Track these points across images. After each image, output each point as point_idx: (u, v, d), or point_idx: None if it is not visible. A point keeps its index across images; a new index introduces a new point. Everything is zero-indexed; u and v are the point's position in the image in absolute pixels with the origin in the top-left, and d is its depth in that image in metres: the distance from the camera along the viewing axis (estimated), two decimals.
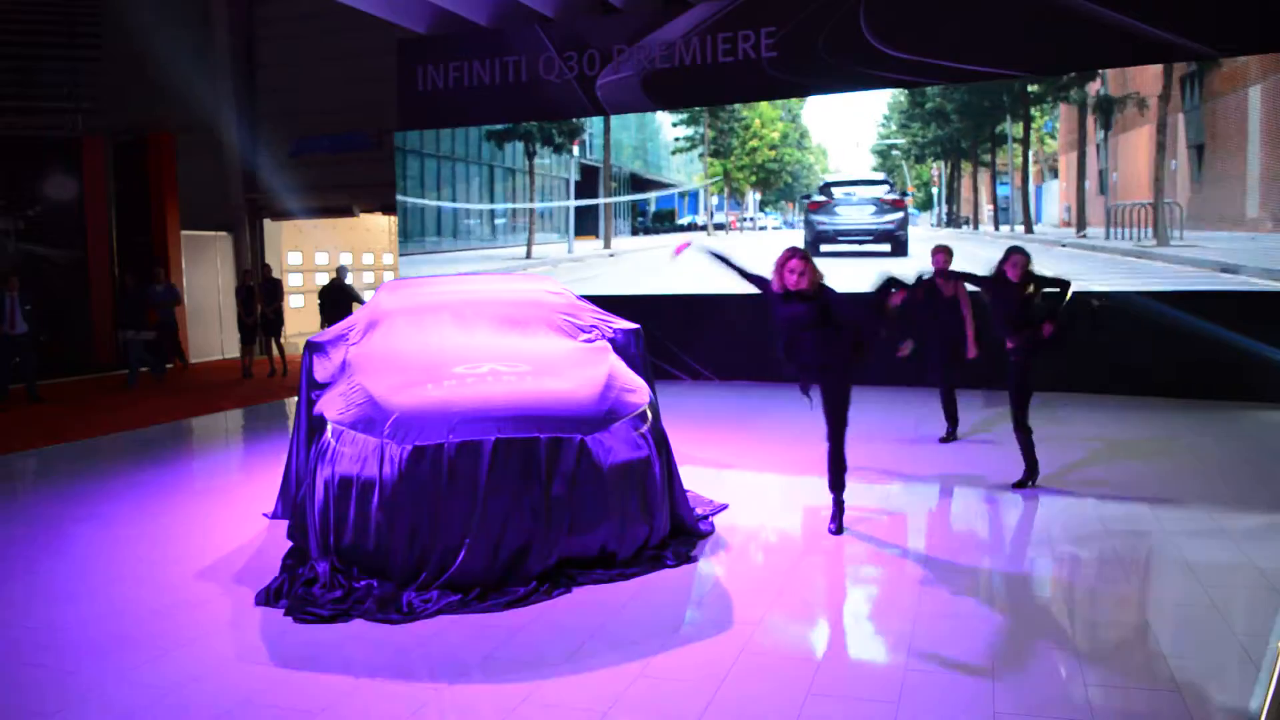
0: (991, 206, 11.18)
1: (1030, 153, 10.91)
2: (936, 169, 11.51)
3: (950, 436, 7.85)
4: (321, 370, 5.59)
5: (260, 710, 3.35)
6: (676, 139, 12.54)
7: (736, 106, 11.96)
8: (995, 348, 6.58)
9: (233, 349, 16.36)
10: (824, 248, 11.51)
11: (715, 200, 12.38)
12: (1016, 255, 6.11)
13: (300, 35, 15.80)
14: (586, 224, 13.01)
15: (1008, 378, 6.22)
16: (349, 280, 13.35)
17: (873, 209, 11.50)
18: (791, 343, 5.20)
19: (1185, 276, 9.93)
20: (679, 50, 11.84)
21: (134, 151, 15.01)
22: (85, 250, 14.31)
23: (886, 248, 11.35)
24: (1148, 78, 10.06)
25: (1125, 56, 9.83)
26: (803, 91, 11.24)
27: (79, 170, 14.24)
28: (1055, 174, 10.98)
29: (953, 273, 7.25)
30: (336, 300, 12.62)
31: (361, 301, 12.22)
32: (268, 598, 4.40)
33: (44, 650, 3.92)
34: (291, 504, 5.44)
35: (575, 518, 4.58)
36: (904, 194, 11.47)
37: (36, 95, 14.11)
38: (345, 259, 18.52)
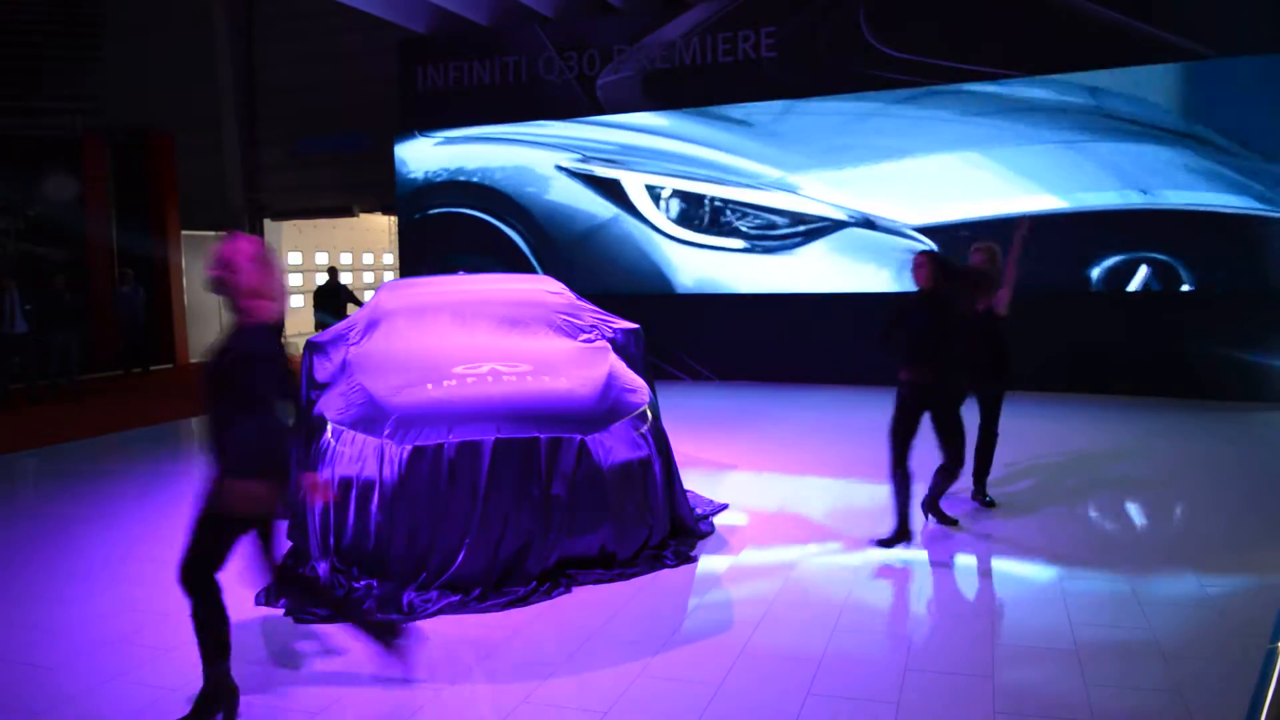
0: None
1: None
2: None
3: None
4: (321, 370, 5.59)
5: (260, 710, 3.35)
6: None
7: None
8: None
9: None
10: None
11: None
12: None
13: (300, 35, 15.80)
14: None
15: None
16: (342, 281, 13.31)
17: None
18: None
19: None
20: (679, 50, 11.84)
21: (134, 151, 14.99)
22: (85, 250, 14.29)
23: None
24: None
25: (1125, 56, 9.83)
26: (803, 92, 11.24)
27: (79, 170, 14.23)
28: None
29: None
30: (333, 301, 12.58)
31: (359, 302, 12.19)
32: (268, 598, 4.40)
33: (44, 650, 3.92)
34: (291, 504, 5.44)
35: (575, 518, 4.58)
36: None
37: (36, 95, 14.10)
38: (345, 259, 18.52)
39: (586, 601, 4.36)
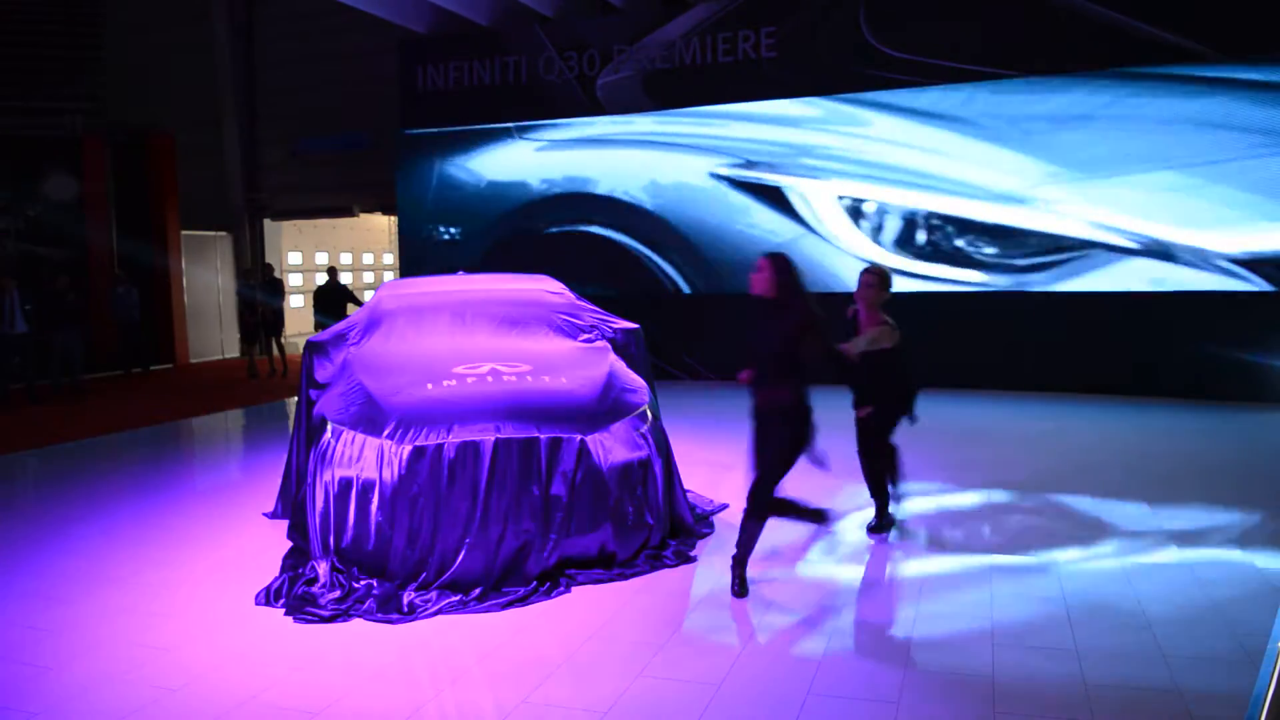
0: None
1: None
2: None
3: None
4: (321, 370, 5.59)
5: (260, 710, 3.35)
6: None
7: None
8: None
9: (233, 349, 16.36)
10: None
11: None
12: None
13: (300, 35, 15.81)
14: None
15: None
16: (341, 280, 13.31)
17: None
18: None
19: None
20: (679, 50, 11.85)
21: (134, 151, 15.00)
22: (85, 250, 14.30)
23: None
24: None
25: (1125, 56, 9.84)
26: (803, 92, 11.24)
27: (79, 170, 14.24)
28: None
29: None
30: (332, 301, 12.58)
31: (359, 302, 12.19)
32: (268, 598, 4.40)
33: (43, 650, 3.92)
34: (291, 504, 5.45)
35: (575, 518, 4.58)
36: None
37: (36, 95, 14.11)
38: (345, 259, 18.53)
39: (586, 601, 4.36)
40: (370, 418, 4.69)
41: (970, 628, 4.02)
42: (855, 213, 10.86)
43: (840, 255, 10.92)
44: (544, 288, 6.48)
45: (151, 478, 7.24)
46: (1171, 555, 4.92)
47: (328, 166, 15.78)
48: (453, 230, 13.20)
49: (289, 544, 4.99)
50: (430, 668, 3.70)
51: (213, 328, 16.53)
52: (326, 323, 11.15)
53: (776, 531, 5.52)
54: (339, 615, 4.18)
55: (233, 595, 4.51)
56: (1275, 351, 9.42)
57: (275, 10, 16.18)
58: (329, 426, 4.80)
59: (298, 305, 17.24)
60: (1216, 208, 9.33)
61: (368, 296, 12.83)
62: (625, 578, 4.62)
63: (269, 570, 4.75)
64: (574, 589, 4.49)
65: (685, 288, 11.91)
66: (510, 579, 4.45)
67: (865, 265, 5.47)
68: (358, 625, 4.12)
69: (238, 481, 7.24)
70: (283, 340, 13.88)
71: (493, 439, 4.48)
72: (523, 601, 4.32)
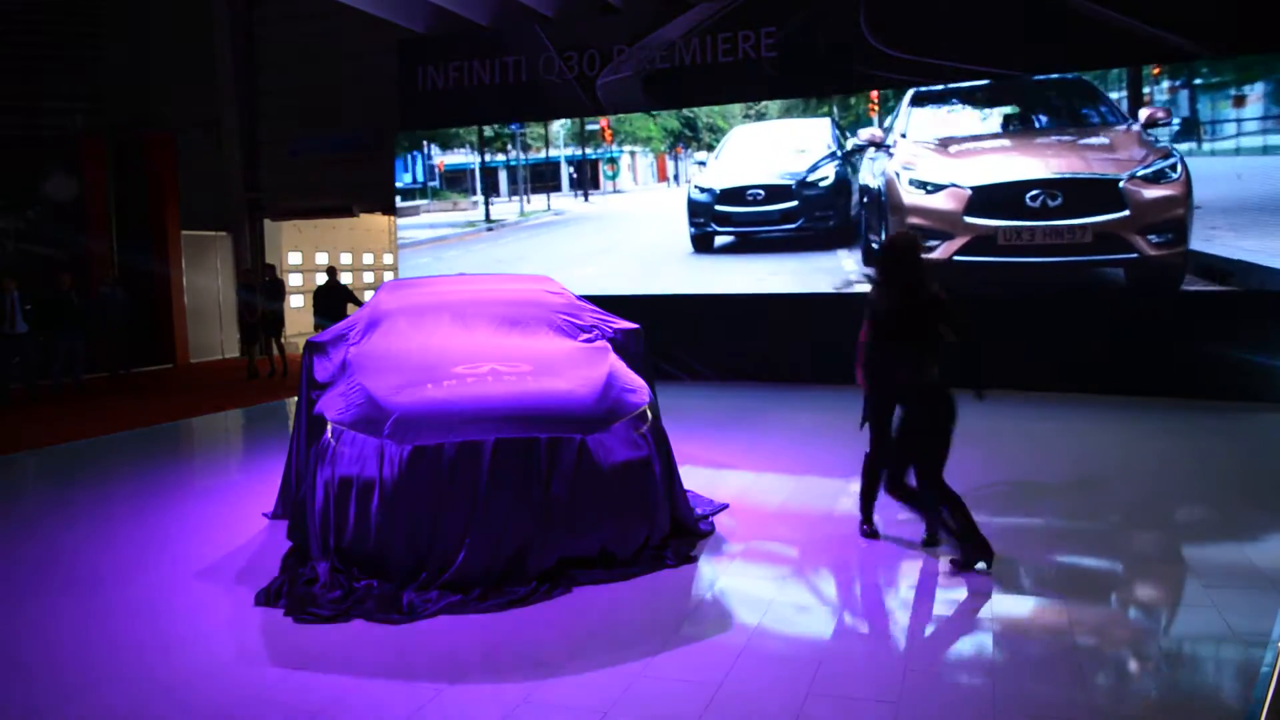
0: None
1: None
2: None
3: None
4: (321, 370, 5.59)
5: (260, 710, 3.35)
6: None
7: None
8: None
9: (233, 349, 16.35)
10: None
11: None
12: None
13: (300, 35, 15.81)
14: None
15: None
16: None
17: None
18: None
19: None
20: (679, 50, 11.85)
21: (134, 151, 15.00)
22: (85, 250, 14.30)
23: None
24: None
25: (1125, 56, 9.84)
26: (803, 92, 11.25)
27: (79, 170, 14.24)
28: None
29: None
30: (332, 301, 12.57)
31: (359, 302, 12.18)
32: (268, 598, 4.40)
33: (43, 650, 3.92)
34: (291, 504, 5.44)
35: (575, 518, 4.58)
36: None
37: (36, 95, 14.12)
38: (345, 259, 18.52)
39: (586, 601, 4.36)
40: (370, 418, 4.69)
41: (971, 629, 4.02)
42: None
43: None
44: (544, 288, 6.48)
45: (151, 478, 7.24)
46: (1171, 555, 4.92)
47: (328, 166, 15.77)
48: None
49: (289, 544, 4.99)
50: (430, 667, 3.70)
51: (212, 328, 16.53)
52: (326, 323, 11.11)
53: (777, 532, 5.53)
54: (339, 615, 4.18)
55: (233, 595, 4.52)
56: (1275, 352, 9.42)
57: (275, 10, 16.19)
58: (329, 426, 4.80)
59: (298, 305, 17.24)
60: None
61: (368, 296, 12.84)
62: (625, 578, 4.62)
63: (269, 570, 4.75)
64: (574, 589, 4.49)
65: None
66: (510, 579, 4.44)
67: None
68: (358, 625, 4.12)
69: (238, 481, 7.24)
70: (283, 340, 13.88)
71: (493, 439, 4.48)
72: (523, 601, 4.32)
